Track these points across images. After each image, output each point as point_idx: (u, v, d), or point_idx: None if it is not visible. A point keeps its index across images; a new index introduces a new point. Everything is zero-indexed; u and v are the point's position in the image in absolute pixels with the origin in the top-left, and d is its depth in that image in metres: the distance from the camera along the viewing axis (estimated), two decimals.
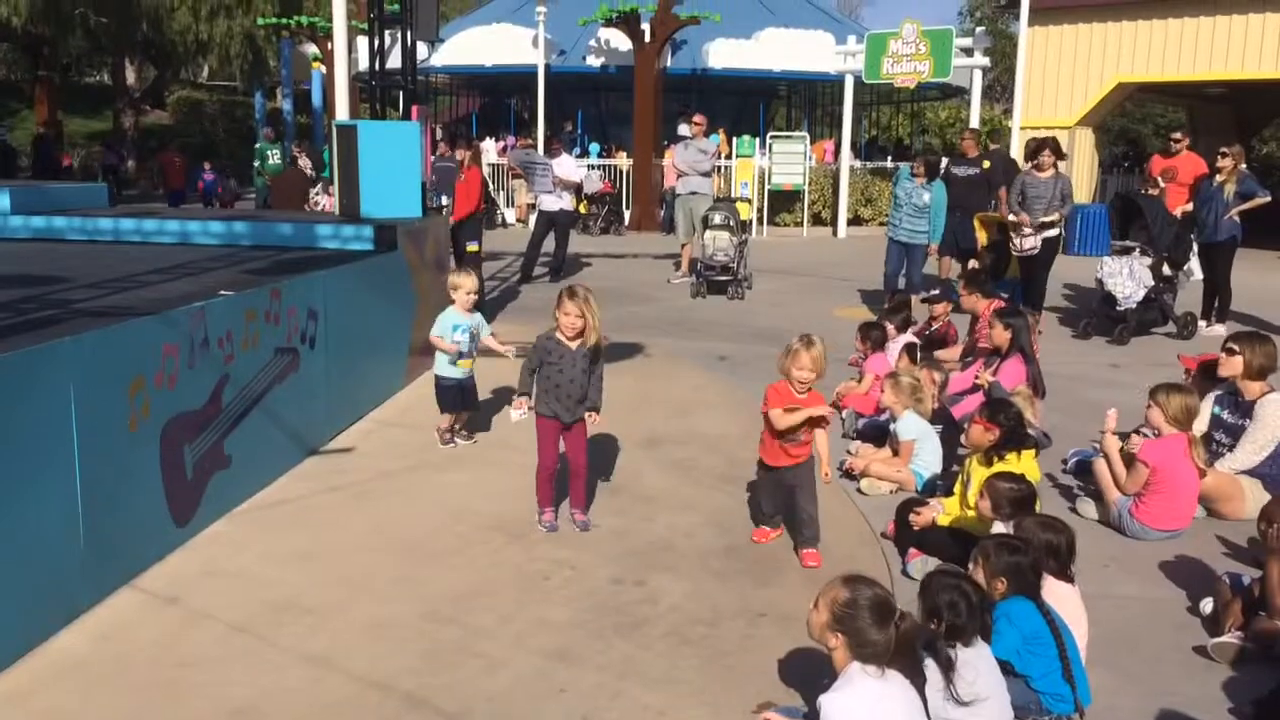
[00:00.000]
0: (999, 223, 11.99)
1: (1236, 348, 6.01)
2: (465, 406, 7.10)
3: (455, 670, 4.18)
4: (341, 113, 9.99)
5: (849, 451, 6.73)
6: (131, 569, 4.88)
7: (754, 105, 28.10)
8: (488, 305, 11.87)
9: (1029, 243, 10.94)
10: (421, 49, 25.90)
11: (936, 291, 9.52)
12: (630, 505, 6.03)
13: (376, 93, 9.94)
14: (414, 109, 9.73)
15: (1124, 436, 6.04)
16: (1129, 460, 5.59)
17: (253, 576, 5.03)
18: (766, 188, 21.54)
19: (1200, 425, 6.19)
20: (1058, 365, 9.46)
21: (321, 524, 5.71)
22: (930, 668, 3.44)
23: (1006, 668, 3.66)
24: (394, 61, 9.99)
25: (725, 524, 5.80)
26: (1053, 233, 10.96)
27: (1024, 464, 5.04)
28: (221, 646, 4.36)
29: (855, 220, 22.00)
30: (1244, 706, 3.86)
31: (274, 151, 16.76)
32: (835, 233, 21.64)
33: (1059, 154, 11.02)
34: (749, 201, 17.16)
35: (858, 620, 3.09)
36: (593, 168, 22.30)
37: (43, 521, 4.25)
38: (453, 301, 7.07)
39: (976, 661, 3.45)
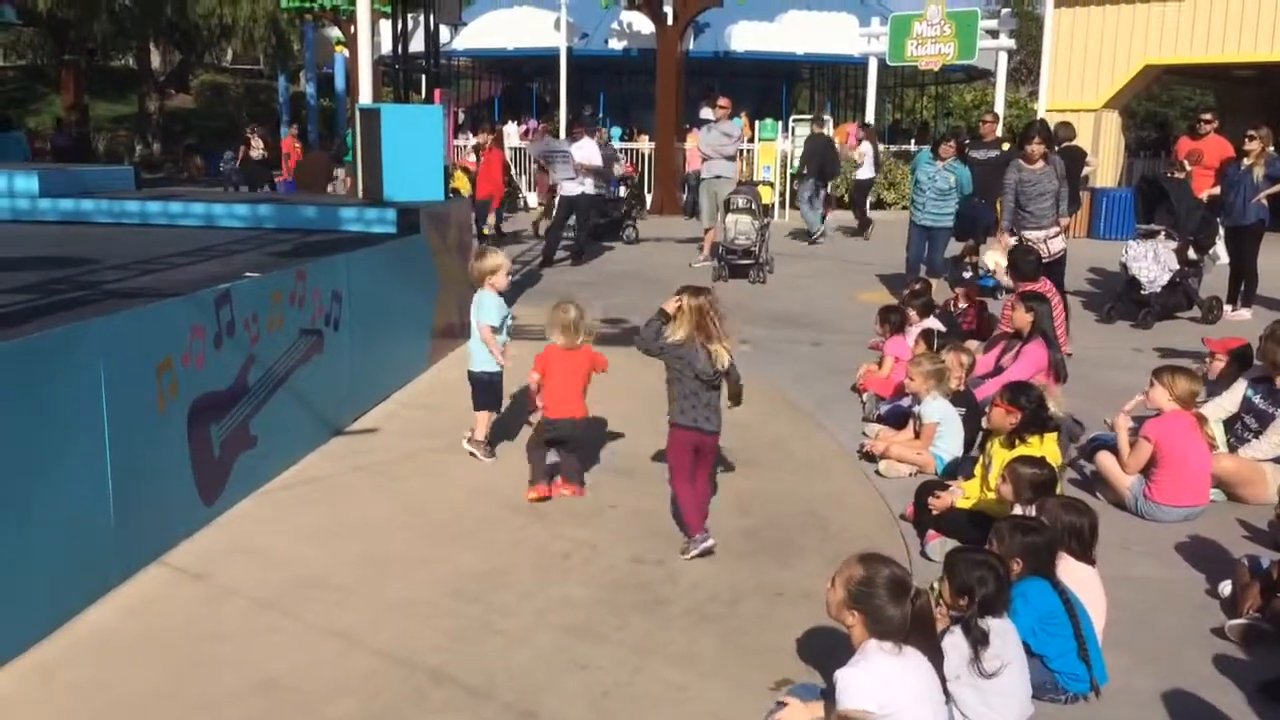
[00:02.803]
0: None
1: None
2: (500, 399, 6.80)
3: (478, 646, 4.25)
4: (365, 96, 10.03)
5: (866, 434, 6.75)
6: (160, 546, 4.97)
7: (777, 88, 28.01)
8: (512, 288, 11.93)
9: (1056, 245, 9.75)
10: (444, 32, 25.98)
11: (967, 275, 9.49)
12: (650, 486, 6.07)
13: (399, 76, 9.97)
14: (436, 93, 9.77)
15: (1140, 422, 6.03)
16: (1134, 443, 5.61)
17: (279, 554, 5.11)
18: (789, 172, 21.45)
19: (1229, 406, 6.19)
20: (1080, 349, 9.43)
21: (347, 503, 5.79)
22: (954, 646, 3.48)
23: (1023, 647, 3.70)
24: (417, 45, 10.04)
25: (745, 505, 5.84)
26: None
27: (1046, 447, 5.04)
28: (248, 621, 4.44)
29: (878, 204, 21.88)
30: (1251, 688, 3.87)
31: None
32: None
33: (1049, 140, 9.86)
34: (771, 185, 17.11)
35: (874, 598, 3.12)
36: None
37: (74, 498, 4.34)
38: (484, 285, 6.52)
39: (1003, 634, 3.50)
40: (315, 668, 4.06)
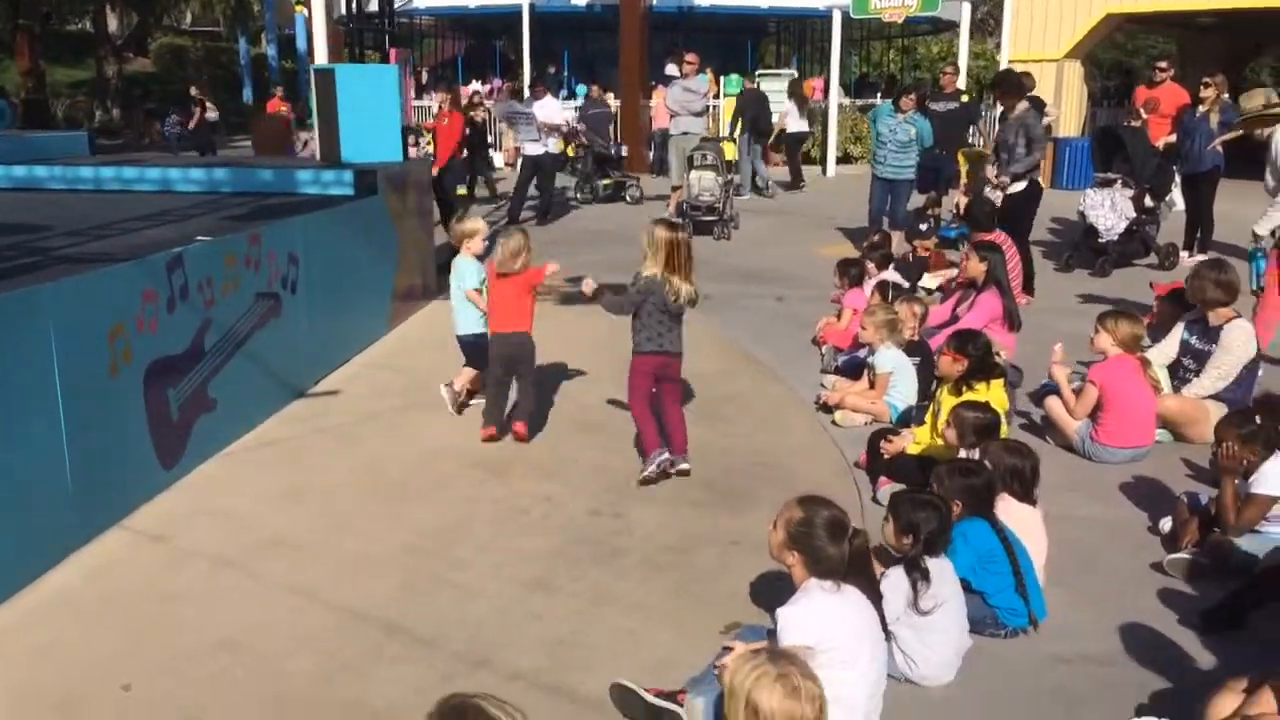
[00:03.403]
0: (980, 158, 11.98)
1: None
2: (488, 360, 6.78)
3: (433, 599, 4.32)
4: (320, 57, 9.94)
5: (824, 385, 6.84)
6: (121, 509, 5.01)
7: (743, 43, 27.84)
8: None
9: (1015, 186, 9.35)
10: None
11: (924, 227, 9.56)
12: (610, 441, 6.14)
13: (355, 36, 9.88)
14: (392, 52, 9.69)
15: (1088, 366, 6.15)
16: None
17: (240, 515, 5.15)
18: (786, 127, 21.34)
19: (1170, 351, 6.32)
20: (1037, 298, 9.55)
21: (308, 464, 5.83)
22: (895, 586, 3.58)
23: (963, 585, 3.80)
24: (375, 5, 9.95)
25: (702, 457, 5.90)
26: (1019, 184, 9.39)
27: (992, 393, 5.14)
28: (208, 582, 4.49)
29: (845, 158, 21.90)
30: (1192, 618, 4.00)
31: None
32: (824, 171, 21.55)
33: (1012, 91, 9.48)
34: (733, 141, 17.07)
35: (813, 538, 3.20)
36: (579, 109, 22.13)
37: (29, 465, 4.36)
38: (461, 249, 6.67)
39: (939, 574, 3.60)
40: (274, 625, 4.12)
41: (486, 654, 3.90)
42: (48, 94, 30.59)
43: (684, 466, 5.58)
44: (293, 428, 6.37)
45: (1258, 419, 4.40)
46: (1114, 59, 37.16)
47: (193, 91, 20.36)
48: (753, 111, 16.87)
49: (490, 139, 21.73)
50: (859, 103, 24.04)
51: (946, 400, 5.16)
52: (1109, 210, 10.49)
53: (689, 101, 13.94)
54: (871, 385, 6.39)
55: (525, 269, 6.09)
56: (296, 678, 3.75)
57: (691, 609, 4.26)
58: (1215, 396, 5.92)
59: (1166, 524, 4.71)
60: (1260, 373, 6.16)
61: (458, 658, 3.88)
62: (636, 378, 5.60)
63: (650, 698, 3.44)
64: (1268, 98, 9.51)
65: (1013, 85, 9.57)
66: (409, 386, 7.12)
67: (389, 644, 3.98)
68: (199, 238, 5.97)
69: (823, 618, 3.15)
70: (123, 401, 5.01)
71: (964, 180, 12.44)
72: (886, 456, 5.30)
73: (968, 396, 5.05)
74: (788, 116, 18.63)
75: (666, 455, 5.52)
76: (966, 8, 19.54)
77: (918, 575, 3.55)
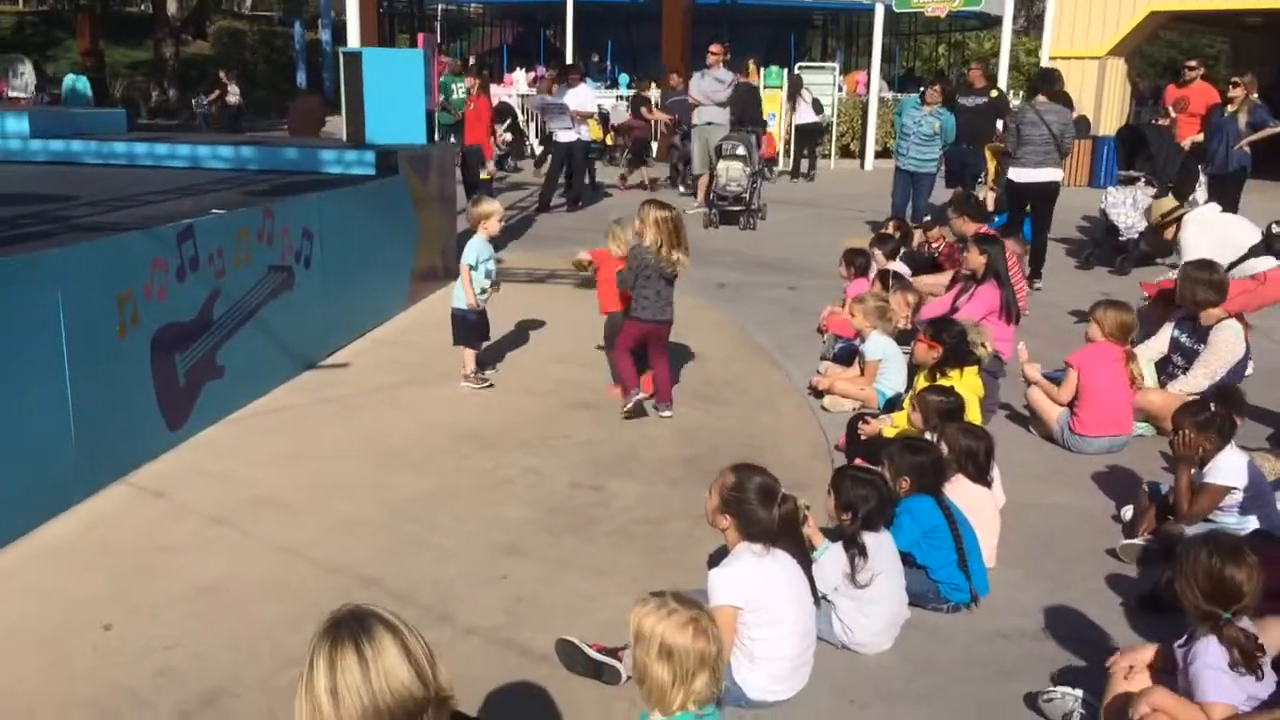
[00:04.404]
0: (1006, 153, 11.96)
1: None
2: (486, 337, 7.09)
3: (410, 560, 4.52)
4: (353, 41, 10.19)
5: (818, 371, 6.95)
6: (123, 467, 5.25)
7: (786, 36, 27.83)
8: (506, 232, 12.14)
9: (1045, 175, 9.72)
10: None
11: (929, 218, 9.62)
12: (605, 418, 6.31)
13: (385, 22, 10.11)
14: (419, 37, 9.91)
15: None
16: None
17: (238, 477, 5.39)
18: (794, 120, 21.43)
19: (1159, 347, 6.36)
20: (1052, 294, 9.60)
21: (309, 432, 6.05)
22: (833, 559, 3.72)
23: (908, 559, 3.94)
24: None
25: (691, 437, 6.08)
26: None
27: (965, 380, 5.24)
28: (200, 536, 4.73)
29: (884, 152, 21.85)
30: (1130, 601, 4.09)
31: (459, 85, 15.55)
32: (863, 165, 21.55)
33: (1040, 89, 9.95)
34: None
35: (744, 503, 3.35)
36: (621, 98, 22.29)
37: (33, 420, 4.61)
38: (477, 230, 6.91)
39: (877, 549, 3.73)
40: (255, 576, 4.35)
41: (450, 610, 4.09)
42: (107, 74, 31.33)
43: (667, 414, 6.31)
44: (299, 396, 6.61)
45: (1212, 406, 4.47)
46: (1169, 57, 36.58)
47: (221, 75, 20.85)
48: (739, 106, 16.96)
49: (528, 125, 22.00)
50: (901, 97, 23.98)
51: (920, 386, 5.27)
52: (1130, 208, 10.46)
53: (714, 91, 14.03)
54: (862, 372, 6.49)
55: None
56: (267, 623, 3.97)
57: (654, 576, 4.40)
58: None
59: (1128, 512, 4.80)
60: (1249, 370, 6.20)
61: (423, 611, 4.06)
62: (625, 337, 6.27)
63: (592, 653, 3.61)
64: None
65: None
66: (417, 362, 7.34)
67: (360, 596, 4.11)
68: (213, 210, 6.22)
69: (751, 579, 3.31)
70: (129, 364, 5.26)
71: (992, 176, 12.45)
72: (864, 438, 5.42)
73: (941, 384, 5.16)
74: (796, 110, 18.85)
75: (642, 394, 6.28)
76: (1010, 3, 19.39)
77: (855, 551, 3.68)
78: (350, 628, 1.99)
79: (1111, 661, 3.25)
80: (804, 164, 19.43)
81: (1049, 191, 9.64)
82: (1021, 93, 16.75)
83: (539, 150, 22.24)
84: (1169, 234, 7.87)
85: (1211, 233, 7.52)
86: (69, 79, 22.52)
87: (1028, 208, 9.81)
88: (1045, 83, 9.88)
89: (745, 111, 16.83)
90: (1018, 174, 9.70)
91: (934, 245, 9.53)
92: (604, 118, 18.71)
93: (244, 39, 39.20)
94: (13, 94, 23.58)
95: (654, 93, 22.80)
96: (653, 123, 19.15)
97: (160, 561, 4.46)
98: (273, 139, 12.63)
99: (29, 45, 33.37)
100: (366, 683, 1.93)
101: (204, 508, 4.99)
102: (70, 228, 5.59)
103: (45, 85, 25.17)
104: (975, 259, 7.19)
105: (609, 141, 20.28)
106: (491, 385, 6.86)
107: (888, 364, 6.39)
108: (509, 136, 18.61)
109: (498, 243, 7.02)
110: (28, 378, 4.57)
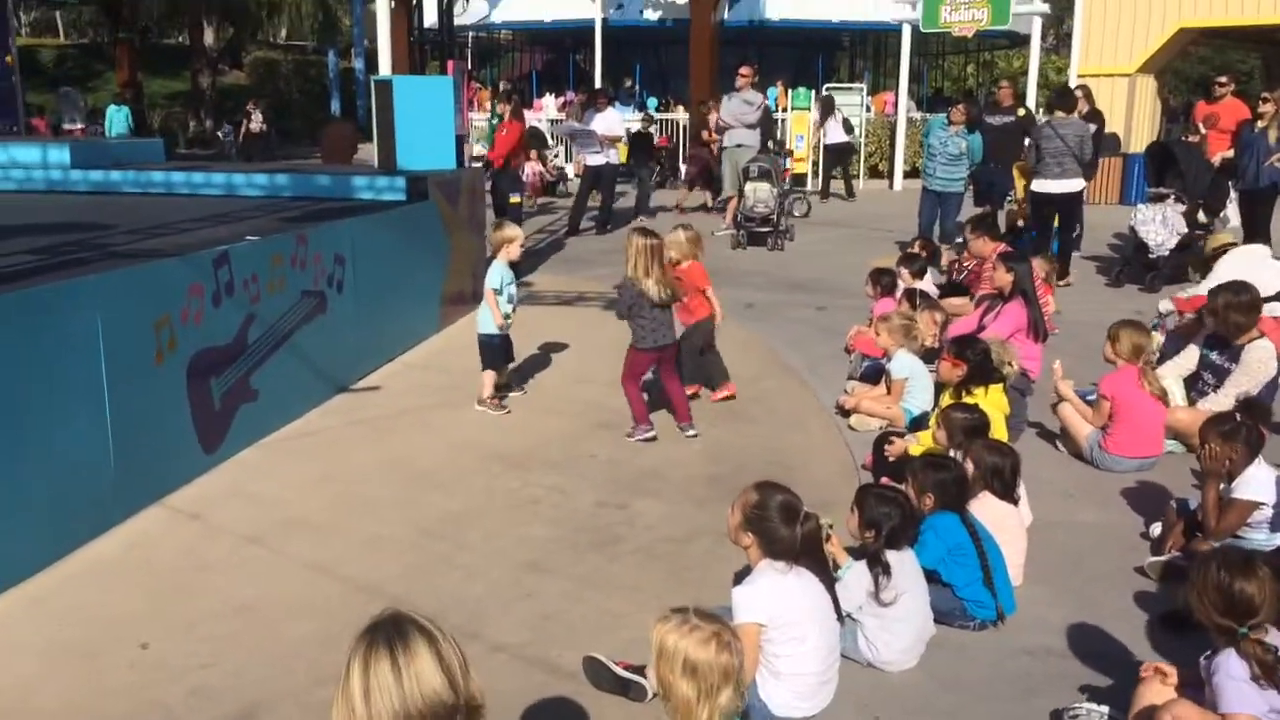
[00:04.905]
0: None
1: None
2: (510, 359, 7.23)
3: (437, 579, 4.59)
4: (385, 69, 10.36)
5: (846, 390, 6.97)
6: (161, 489, 5.37)
7: (813, 57, 27.91)
8: (535, 255, 12.27)
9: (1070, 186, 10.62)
10: (483, 5, 26.21)
11: (960, 239, 9.62)
12: (627, 438, 6.36)
13: (415, 50, 10.29)
14: (449, 64, 10.06)
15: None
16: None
17: (271, 498, 5.48)
18: (822, 141, 21.48)
19: (1187, 364, 6.33)
20: (1082, 311, 9.55)
21: (340, 454, 6.15)
22: (857, 578, 3.75)
23: (932, 576, 3.96)
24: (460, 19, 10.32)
25: (717, 456, 6.11)
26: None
27: (990, 398, 5.25)
28: (235, 556, 4.82)
29: (913, 172, 21.84)
30: (1154, 619, 4.08)
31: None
32: (891, 185, 21.55)
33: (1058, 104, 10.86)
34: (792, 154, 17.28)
35: (767, 520, 3.39)
36: (650, 120, 22.42)
37: (73, 443, 4.72)
38: (499, 255, 6.99)
39: (900, 567, 3.75)
40: (287, 595, 4.43)
41: (478, 628, 4.14)
42: (145, 105, 31.93)
43: (691, 433, 6.38)
44: (331, 419, 6.71)
45: (1238, 418, 4.46)
46: (1201, 74, 36.35)
47: (249, 106, 21.33)
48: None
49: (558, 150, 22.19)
50: (929, 117, 23.98)
51: (945, 403, 5.29)
52: (1160, 225, 10.42)
53: (743, 114, 14.12)
54: (888, 390, 6.51)
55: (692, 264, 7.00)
56: (300, 640, 4.04)
57: (680, 594, 4.43)
58: None
59: (1157, 529, 4.78)
60: None
61: (451, 628, 4.01)
62: (633, 366, 6.34)
63: (619, 670, 3.65)
64: None
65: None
66: (447, 385, 7.43)
67: None
68: (248, 237, 6.35)
69: (774, 596, 3.34)
70: (166, 388, 5.37)
71: (1020, 194, 12.40)
72: (890, 458, 5.43)
73: (965, 401, 5.17)
74: (826, 130, 18.92)
75: (652, 432, 6.30)
76: (1038, 22, 19.37)
77: (879, 570, 3.70)
78: (387, 632, 2.05)
79: (1145, 667, 3.26)
80: (834, 184, 19.46)
81: (1069, 200, 10.30)
82: (1041, 110, 16.74)
83: (572, 175, 22.50)
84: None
85: (1245, 268, 7.47)
86: (111, 110, 23.06)
87: (1055, 220, 10.20)
88: (1061, 99, 10.57)
89: (763, 132, 16.96)
90: (1039, 185, 10.40)
91: (966, 265, 9.52)
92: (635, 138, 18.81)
93: (279, 69, 39.89)
94: (67, 125, 24.21)
95: (682, 115, 23.01)
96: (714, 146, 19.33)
97: (196, 581, 4.55)
98: (305, 166, 12.85)
99: (70, 78, 34.08)
100: (398, 685, 1.99)
101: (239, 528, 5.09)
102: (109, 255, 5.74)
103: (90, 116, 25.82)
104: (1002, 277, 7.19)
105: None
106: (509, 411, 6.88)
107: (914, 382, 6.41)
108: (560, 163, 18.85)
109: (524, 266, 7.11)
110: (69, 402, 4.68)
